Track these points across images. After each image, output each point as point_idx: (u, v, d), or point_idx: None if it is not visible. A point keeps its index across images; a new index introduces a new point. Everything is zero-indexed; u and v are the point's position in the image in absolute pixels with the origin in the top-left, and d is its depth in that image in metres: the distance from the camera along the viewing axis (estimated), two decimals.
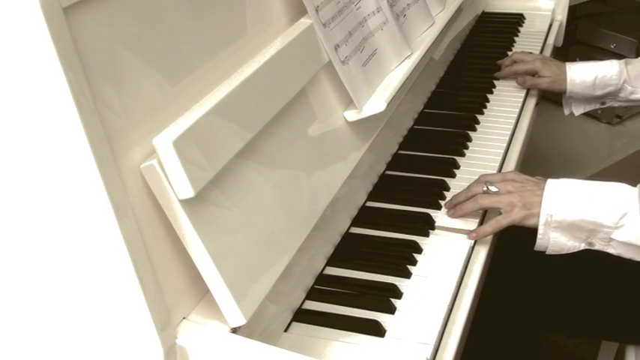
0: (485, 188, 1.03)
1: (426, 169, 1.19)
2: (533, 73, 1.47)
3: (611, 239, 0.96)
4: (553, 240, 0.99)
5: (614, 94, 1.43)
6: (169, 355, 0.69)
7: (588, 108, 1.49)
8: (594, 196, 0.96)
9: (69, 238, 0.66)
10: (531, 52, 1.58)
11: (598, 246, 0.97)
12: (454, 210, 1.06)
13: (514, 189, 1.01)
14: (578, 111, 1.50)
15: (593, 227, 0.96)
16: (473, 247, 1.01)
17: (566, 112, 1.51)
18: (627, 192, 0.96)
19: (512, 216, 1.00)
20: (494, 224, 1.01)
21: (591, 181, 0.99)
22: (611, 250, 0.97)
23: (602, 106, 1.49)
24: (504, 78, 1.50)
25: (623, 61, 1.41)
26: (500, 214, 1.02)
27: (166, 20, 0.71)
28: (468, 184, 1.07)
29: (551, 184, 0.99)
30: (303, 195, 0.87)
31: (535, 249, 1.01)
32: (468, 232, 1.02)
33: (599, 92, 1.42)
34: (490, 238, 1.03)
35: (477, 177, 1.08)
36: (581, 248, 0.99)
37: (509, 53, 1.64)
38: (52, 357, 0.75)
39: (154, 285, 0.67)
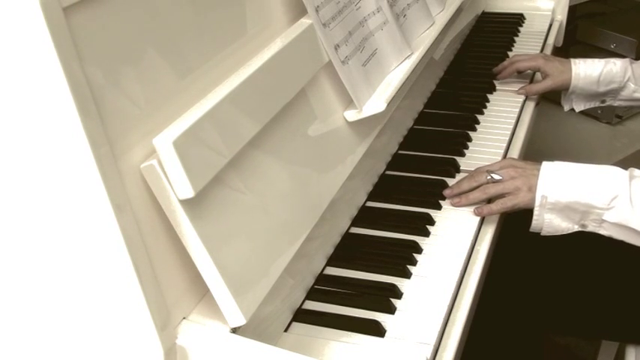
0: (489, 177, 1.06)
1: (426, 169, 1.19)
2: (536, 71, 1.47)
3: (603, 220, 0.98)
4: (548, 221, 1.01)
5: (616, 92, 1.42)
6: (169, 355, 0.69)
7: (588, 105, 1.49)
8: (587, 179, 0.99)
9: (69, 238, 0.66)
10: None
11: (591, 227, 1.00)
12: (459, 199, 1.07)
13: (517, 174, 1.05)
14: (578, 107, 1.49)
15: (586, 209, 0.98)
16: (473, 247, 1.01)
17: (566, 108, 1.50)
18: (619, 175, 0.98)
19: (518, 199, 1.03)
20: (501, 204, 1.04)
21: (584, 164, 1.02)
22: (603, 232, 1.00)
23: (602, 105, 1.49)
24: (506, 79, 1.49)
25: (627, 59, 1.41)
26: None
27: (166, 20, 0.71)
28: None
29: (546, 166, 1.03)
30: (304, 195, 0.87)
31: (530, 230, 1.04)
32: (474, 210, 1.06)
33: (602, 89, 1.42)
34: (490, 237, 1.03)
35: None
36: (574, 230, 1.01)
37: (509, 53, 1.64)
38: (52, 357, 0.75)
39: (154, 285, 0.67)
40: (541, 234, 1.03)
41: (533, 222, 1.02)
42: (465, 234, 1.02)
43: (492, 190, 1.06)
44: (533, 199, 1.01)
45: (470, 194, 1.07)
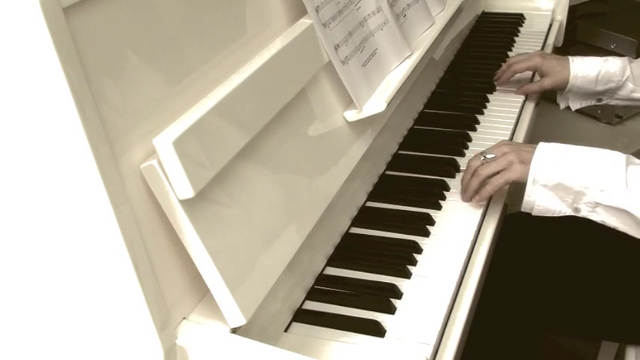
0: (482, 158, 1.06)
1: (426, 169, 1.19)
2: (534, 70, 1.46)
3: (597, 204, 0.97)
4: (539, 199, 1.00)
5: (613, 91, 1.42)
6: (169, 355, 0.69)
7: (585, 104, 1.48)
8: (583, 160, 0.98)
9: (69, 238, 0.66)
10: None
11: (584, 212, 0.98)
12: (464, 195, 1.08)
13: (509, 149, 1.04)
14: (574, 106, 1.48)
15: (580, 189, 0.97)
16: (473, 247, 1.01)
17: (562, 105, 1.49)
18: (616, 158, 0.97)
19: (510, 172, 1.02)
20: (494, 182, 1.04)
21: (582, 147, 1.01)
22: (595, 217, 0.98)
23: (598, 103, 1.48)
24: (506, 83, 1.48)
25: (626, 58, 1.40)
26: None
27: (166, 20, 0.71)
28: None
29: (543, 145, 1.02)
30: (304, 195, 0.87)
31: (522, 209, 1.02)
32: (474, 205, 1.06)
33: (600, 88, 1.41)
34: (490, 238, 1.03)
35: None
36: (567, 213, 1.00)
37: (509, 53, 1.64)
38: (52, 357, 0.75)
39: (154, 285, 0.67)
40: (532, 214, 1.02)
41: (525, 198, 1.01)
42: (465, 234, 1.02)
43: (485, 170, 1.05)
44: (525, 173, 1.00)
45: (469, 184, 1.07)
